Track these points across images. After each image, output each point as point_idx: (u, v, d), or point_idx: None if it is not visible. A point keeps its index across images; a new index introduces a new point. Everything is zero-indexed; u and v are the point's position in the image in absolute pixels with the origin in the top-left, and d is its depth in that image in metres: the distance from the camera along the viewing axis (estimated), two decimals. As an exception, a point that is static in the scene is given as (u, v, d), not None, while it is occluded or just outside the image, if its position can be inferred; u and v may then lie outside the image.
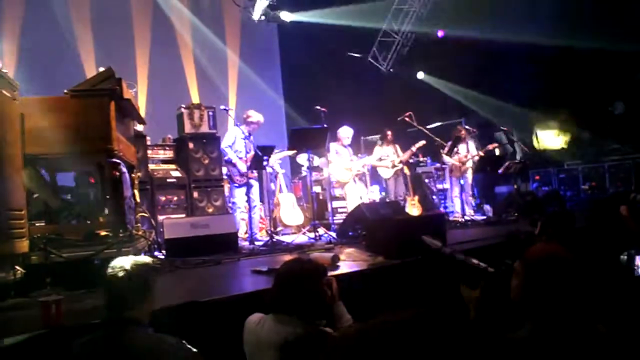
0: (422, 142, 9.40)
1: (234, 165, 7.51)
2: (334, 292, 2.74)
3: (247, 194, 7.40)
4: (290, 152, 8.56)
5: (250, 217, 7.03)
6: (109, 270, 2.33)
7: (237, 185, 7.60)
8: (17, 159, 3.69)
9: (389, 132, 9.60)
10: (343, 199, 9.09)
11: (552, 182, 11.95)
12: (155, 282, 2.40)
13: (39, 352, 2.48)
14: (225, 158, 7.61)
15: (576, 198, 11.07)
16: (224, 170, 7.88)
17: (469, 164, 9.47)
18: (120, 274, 2.29)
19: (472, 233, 6.82)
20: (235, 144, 7.55)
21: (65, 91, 4.12)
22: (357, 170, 9.04)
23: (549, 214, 4.47)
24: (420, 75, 13.58)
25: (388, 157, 9.52)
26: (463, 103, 12.43)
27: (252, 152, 7.15)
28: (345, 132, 8.93)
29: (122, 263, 2.32)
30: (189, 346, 2.25)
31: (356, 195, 8.91)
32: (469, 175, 9.59)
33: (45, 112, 3.98)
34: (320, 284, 2.56)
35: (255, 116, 7.73)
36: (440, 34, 13.04)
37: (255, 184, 7.90)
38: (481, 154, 9.41)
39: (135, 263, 2.35)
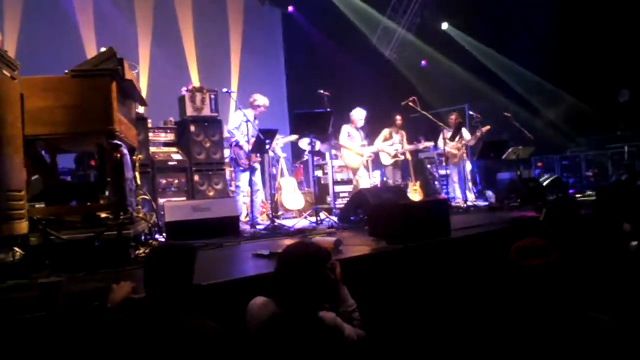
0: (430, 143, 9.37)
1: (242, 148, 7.40)
2: (338, 276, 2.71)
3: (251, 177, 7.35)
4: (294, 138, 8.48)
5: (252, 201, 6.99)
6: (152, 252, 2.41)
7: (242, 169, 7.48)
8: (17, 140, 3.64)
9: (398, 117, 9.47)
10: (346, 183, 9.01)
11: (554, 168, 11.88)
12: (195, 265, 2.38)
13: (39, 334, 2.46)
14: (233, 140, 7.51)
15: (579, 185, 11.02)
16: (226, 153, 7.83)
17: (465, 150, 9.39)
18: (162, 256, 2.35)
19: (475, 219, 6.76)
20: (240, 126, 7.47)
21: (67, 71, 4.07)
22: (368, 156, 8.92)
23: (555, 201, 4.40)
24: (445, 26, 13.26)
25: (394, 143, 9.41)
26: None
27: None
28: (359, 114, 8.74)
29: (164, 246, 2.35)
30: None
31: (367, 181, 8.77)
32: (467, 161, 9.53)
33: (46, 92, 3.94)
34: (324, 268, 2.53)
35: (261, 100, 7.65)
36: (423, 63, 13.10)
37: (258, 168, 7.83)
38: (478, 135, 9.33)
39: (177, 246, 2.42)
